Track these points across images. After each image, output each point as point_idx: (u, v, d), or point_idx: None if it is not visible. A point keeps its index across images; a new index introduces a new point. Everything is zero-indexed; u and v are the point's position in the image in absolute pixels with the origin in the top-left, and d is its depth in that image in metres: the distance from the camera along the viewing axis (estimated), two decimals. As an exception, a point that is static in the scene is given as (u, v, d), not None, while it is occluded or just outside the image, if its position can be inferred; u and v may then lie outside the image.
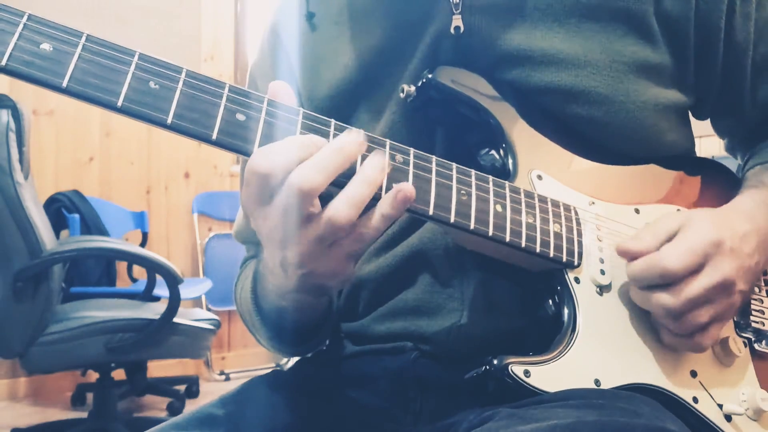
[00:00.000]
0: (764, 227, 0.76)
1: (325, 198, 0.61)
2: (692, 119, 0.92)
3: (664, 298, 0.69)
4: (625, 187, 0.81)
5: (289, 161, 0.59)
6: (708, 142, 1.14)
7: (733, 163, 0.97)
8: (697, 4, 0.82)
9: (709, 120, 0.96)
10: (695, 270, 0.69)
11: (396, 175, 0.64)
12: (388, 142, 0.66)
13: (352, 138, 0.62)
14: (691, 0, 0.81)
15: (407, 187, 0.62)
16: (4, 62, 0.51)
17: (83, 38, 0.54)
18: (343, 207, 0.60)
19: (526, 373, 0.66)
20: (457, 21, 0.80)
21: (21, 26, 0.52)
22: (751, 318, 0.81)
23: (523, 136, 0.78)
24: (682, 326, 0.70)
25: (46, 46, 0.53)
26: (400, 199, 0.62)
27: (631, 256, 0.72)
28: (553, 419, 0.57)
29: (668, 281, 0.69)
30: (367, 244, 0.64)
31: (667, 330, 0.72)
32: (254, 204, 0.62)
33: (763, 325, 0.82)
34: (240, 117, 0.58)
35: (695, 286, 0.69)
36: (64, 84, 0.53)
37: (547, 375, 0.67)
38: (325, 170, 0.59)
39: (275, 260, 0.66)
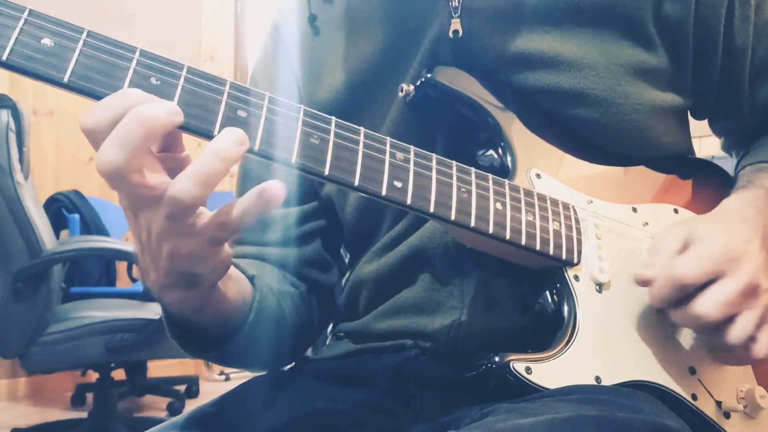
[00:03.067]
0: (759, 224, 0.76)
1: None
2: (691, 120, 0.92)
3: (698, 308, 0.67)
4: (623, 187, 0.82)
5: (101, 124, 0.52)
6: (708, 142, 1.14)
7: (731, 163, 0.97)
8: (697, 9, 0.82)
9: (706, 120, 0.96)
10: (711, 279, 0.68)
11: (396, 172, 0.65)
12: (388, 140, 0.66)
13: (162, 107, 0.53)
14: (690, 5, 0.81)
15: (274, 188, 0.55)
16: (5, 57, 0.51)
17: (84, 34, 0.54)
18: (187, 184, 0.53)
19: (528, 370, 0.66)
20: (455, 25, 0.80)
21: (22, 21, 0.52)
22: None
23: (521, 134, 0.78)
24: (733, 341, 0.68)
25: (47, 41, 0.53)
26: (264, 200, 0.55)
27: (647, 284, 0.71)
28: (552, 413, 0.57)
29: (686, 292, 0.68)
30: (233, 233, 0.57)
31: (721, 350, 0.70)
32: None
33: (762, 323, 0.82)
34: (241, 114, 0.58)
35: (725, 292, 0.67)
36: (66, 79, 0.53)
37: (548, 372, 0.67)
38: (126, 146, 0.51)
39: (141, 236, 0.59)
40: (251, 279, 0.80)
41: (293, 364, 0.93)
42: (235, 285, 0.75)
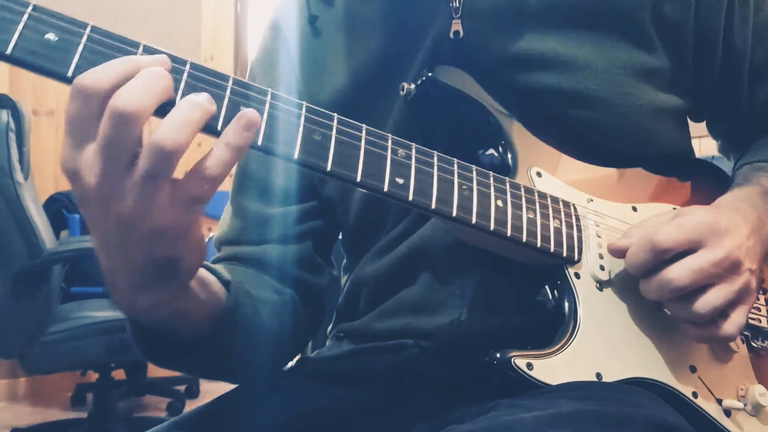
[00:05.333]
0: (752, 216, 0.76)
1: None
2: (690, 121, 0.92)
3: (669, 273, 0.68)
4: (622, 187, 0.82)
5: (112, 77, 0.52)
6: (707, 142, 1.15)
7: (730, 163, 0.98)
8: (697, 9, 0.82)
9: (705, 122, 0.96)
10: (690, 249, 0.68)
11: (398, 169, 0.65)
12: (390, 137, 0.66)
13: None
14: (690, 6, 0.82)
15: (249, 112, 0.56)
16: (9, 51, 0.51)
17: (88, 29, 0.55)
18: (169, 130, 0.52)
19: (529, 366, 0.66)
20: (456, 25, 0.80)
21: (26, 15, 0.52)
22: (748, 315, 0.81)
23: (522, 133, 0.79)
24: (699, 310, 0.68)
25: (51, 36, 0.53)
26: (244, 124, 0.55)
27: (621, 252, 0.72)
28: (555, 408, 0.57)
29: (661, 257, 0.68)
30: (215, 184, 0.55)
31: (688, 322, 0.70)
32: (74, 149, 0.53)
33: (760, 322, 0.82)
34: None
35: (698, 260, 0.68)
36: (69, 73, 0.53)
37: (549, 368, 0.67)
38: (151, 90, 0.52)
39: (109, 227, 0.56)
40: (227, 284, 0.76)
41: (293, 364, 0.93)
42: (209, 287, 0.71)
